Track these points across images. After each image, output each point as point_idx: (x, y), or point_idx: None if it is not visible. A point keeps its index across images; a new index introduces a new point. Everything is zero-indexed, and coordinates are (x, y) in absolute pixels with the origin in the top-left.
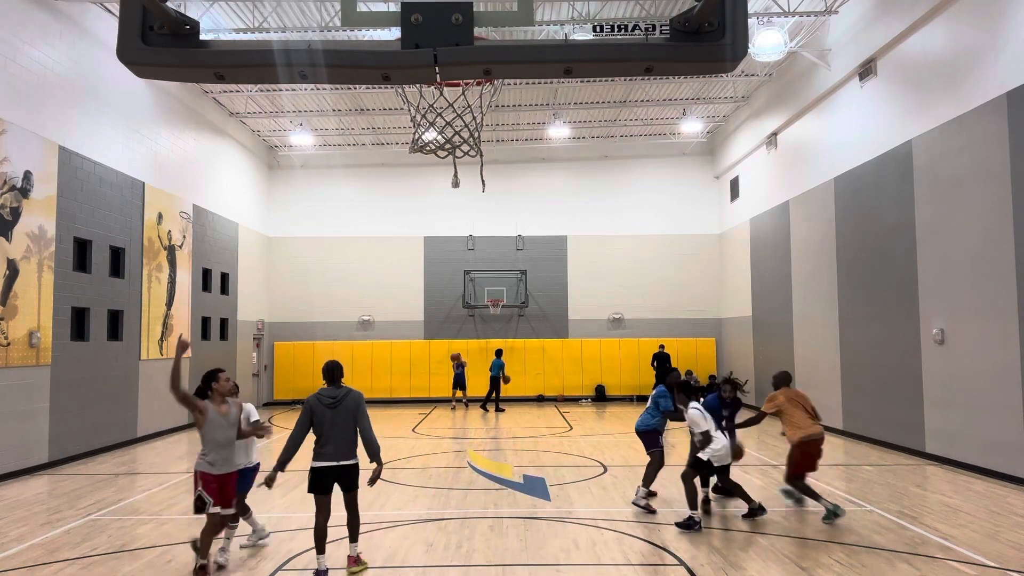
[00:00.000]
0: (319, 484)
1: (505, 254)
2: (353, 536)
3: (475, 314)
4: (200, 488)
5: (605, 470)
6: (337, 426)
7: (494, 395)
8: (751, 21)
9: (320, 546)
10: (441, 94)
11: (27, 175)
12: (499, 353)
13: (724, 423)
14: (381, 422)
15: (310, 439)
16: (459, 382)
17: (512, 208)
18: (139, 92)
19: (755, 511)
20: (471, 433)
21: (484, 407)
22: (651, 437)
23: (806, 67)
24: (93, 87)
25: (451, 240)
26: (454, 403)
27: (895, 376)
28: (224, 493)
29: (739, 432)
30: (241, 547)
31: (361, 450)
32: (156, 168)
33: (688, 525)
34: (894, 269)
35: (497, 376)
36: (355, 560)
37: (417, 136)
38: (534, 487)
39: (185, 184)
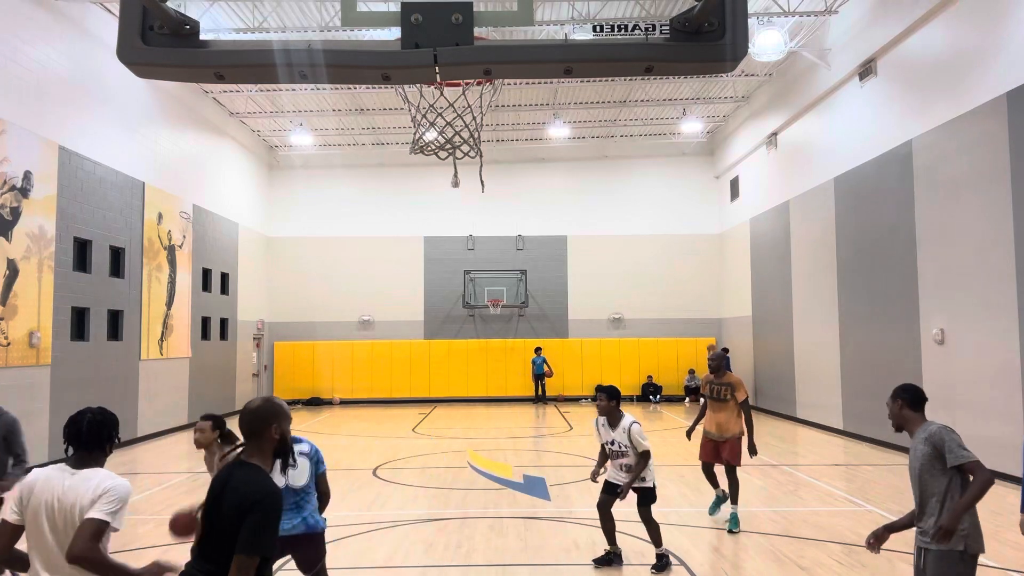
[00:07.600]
0: None
1: (505, 254)
2: None
3: (475, 314)
4: None
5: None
6: None
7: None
8: (751, 21)
9: None
10: (441, 94)
11: (27, 175)
12: (538, 351)
13: None
14: (381, 422)
15: None
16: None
17: (512, 208)
18: (139, 92)
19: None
20: (471, 433)
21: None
22: None
23: (806, 67)
24: (93, 87)
25: (451, 240)
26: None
27: (895, 376)
28: None
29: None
30: None
31: None
32: (156, 168)
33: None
34: (894, 269)
35: (540, 374)
36: None
37: (418, 136)
38: (534, 487)
39: (185, 184)
